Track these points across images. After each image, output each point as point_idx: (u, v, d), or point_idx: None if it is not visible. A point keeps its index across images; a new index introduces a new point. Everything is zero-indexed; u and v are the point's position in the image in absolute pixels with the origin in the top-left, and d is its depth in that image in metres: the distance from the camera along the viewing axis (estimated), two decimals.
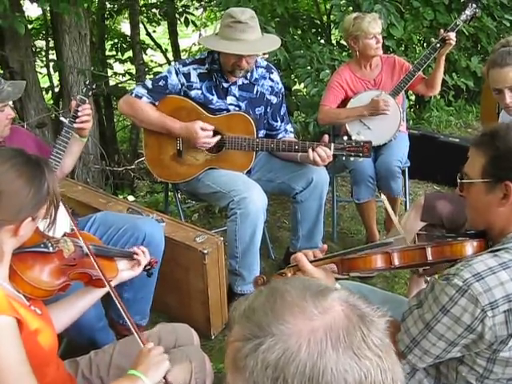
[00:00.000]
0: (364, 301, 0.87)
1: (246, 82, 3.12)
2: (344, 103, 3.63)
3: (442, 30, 3.50)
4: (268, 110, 3.23)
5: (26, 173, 1.52)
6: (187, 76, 3.05)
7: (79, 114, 2.48)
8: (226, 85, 3.08)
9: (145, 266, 2.12)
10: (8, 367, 1.39)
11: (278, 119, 3.29)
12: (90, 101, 2.60)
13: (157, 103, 3.06)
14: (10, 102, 2.50)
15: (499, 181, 1.53)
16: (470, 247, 1.62)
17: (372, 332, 0.81)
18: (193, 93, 3.06)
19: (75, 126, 2.49)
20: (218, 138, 3.04)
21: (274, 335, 0.80)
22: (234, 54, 2.89)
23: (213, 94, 3.08)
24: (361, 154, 2.97)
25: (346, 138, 3.00)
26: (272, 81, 3.20)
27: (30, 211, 1.52)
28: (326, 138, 2.99)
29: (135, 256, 2.07)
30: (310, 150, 2.94)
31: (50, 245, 1.75)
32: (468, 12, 3.49)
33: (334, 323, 0.80)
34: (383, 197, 2.12)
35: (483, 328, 1.43)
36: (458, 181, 1.67)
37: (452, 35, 3.41)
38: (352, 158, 3.01)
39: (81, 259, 1.84)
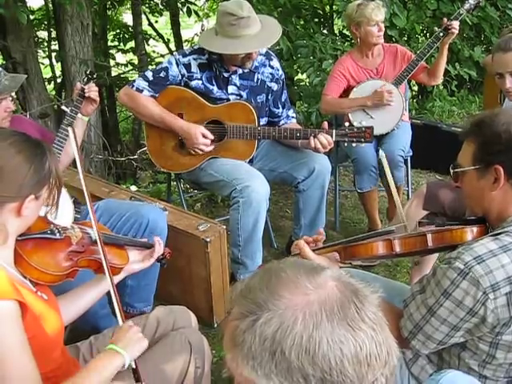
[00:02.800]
0: (356, 279, 0.89)
1: (246, 70, 3.10)
2: (346, 92, 3.63)
3: (444, 19, 3.49)
4: (269, 97, 3.22)
5: (26, 150, 1.53)
6: (188, 66, 3.04)
7: (86, 90, 2.57)
8: (226, 74, 3.08)
9: (158, 257, 2.13)
10: (8, 351, 1.39)
11: (280, 106, 3.29)
12: None
13: (157, 95, 3.06)
14: (13, 93, 2.53)
15: (489, 165, 1.57)
16: (469, 233, 1.64)
17: (365, 306, 0.84)
18: (193, 83, 3.06)
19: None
20: (212, 147, 3.05)
21: (271, 310, 0.82)
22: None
23: (213, 85, 3.08)
24: (363, 140, 2.98)
25: (347, 124, 3.01)
26: (272, 68, 3.19)
27: (31, 188, 1.52)
28: (326, 124, 3.00)
29: (150, 249, 2.06)
30: (312, 138, 2.94)
31: (56, 231, 1.75)
32: (471, 1, 3.47)
33: (328, 297, 0.83)
34: (381, 153, 2.10)
35: (485, 311, 1.44)
36: (451, 171, 1.70)
37: (455, 24, 3.40)
38: (354, 144, 3.01)
39: (89, 246, 1.85)
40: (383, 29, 3.53)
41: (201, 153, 3.06)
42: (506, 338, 1.50)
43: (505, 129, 1.54)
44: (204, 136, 3.02)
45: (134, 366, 1.67)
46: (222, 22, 2.92)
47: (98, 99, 2.64)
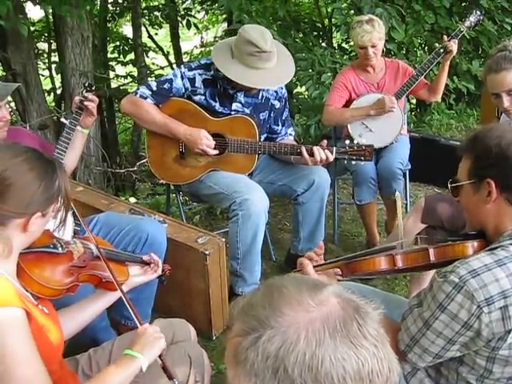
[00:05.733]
0: (357, 295, 0.89)
1: None
2: (347, 105, 3.64)
3: (445, 37, 3.50)
4: (271, 114, 3.24)
5: (38, 167, 1.54)
6: (192, 81, 3.04)
7: (85, 102, 2.55)
8: (231, 91, 3.07)
9: None
10: (21, 360, 1.39)
11: (280, 123, 3.30)
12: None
13: (160, 106, 3.07)
14: (13, 104, 2.53)
15: (482, 179, 1.59)
16: (471, 248, 1.65)
17: (367, 323, 0.84)
18: (196, 98, 3.06)
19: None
20: (216, 151, 3.05)
21: (273, 327, 0.81)
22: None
23: (216, 101, 3.08)
24: (362, 158, 2.99)
25: (348, 141, 3.01)
26: None
27: (39, 206, 1.52)
28: (325, 142, 3.01)
29: (150, 265, 2.09)
30: (306, 153, 2.96)
31: (59, 246, 1.76)
32: (473, 19, 3.49)
33: (330, 314, 0.83)
34: (398, 194, 2.08)
35: (480, 325, 1.45)
36: (449, 186, 1.73)
37: (453, 44, 3.41)
38: (354, 162, 3.02)
39: (91, 261, 1.86)
40: (374, 52, 3.49)
41: (204, 154, 3.05)
42: (502, 352, 1.50)
43: (495, 143, 1.57)
44: (207, 139, 3.02)
45: (161, 365, 1.69)
46: (242, 48, 2.89)
47: (95, 111, 2.62)
